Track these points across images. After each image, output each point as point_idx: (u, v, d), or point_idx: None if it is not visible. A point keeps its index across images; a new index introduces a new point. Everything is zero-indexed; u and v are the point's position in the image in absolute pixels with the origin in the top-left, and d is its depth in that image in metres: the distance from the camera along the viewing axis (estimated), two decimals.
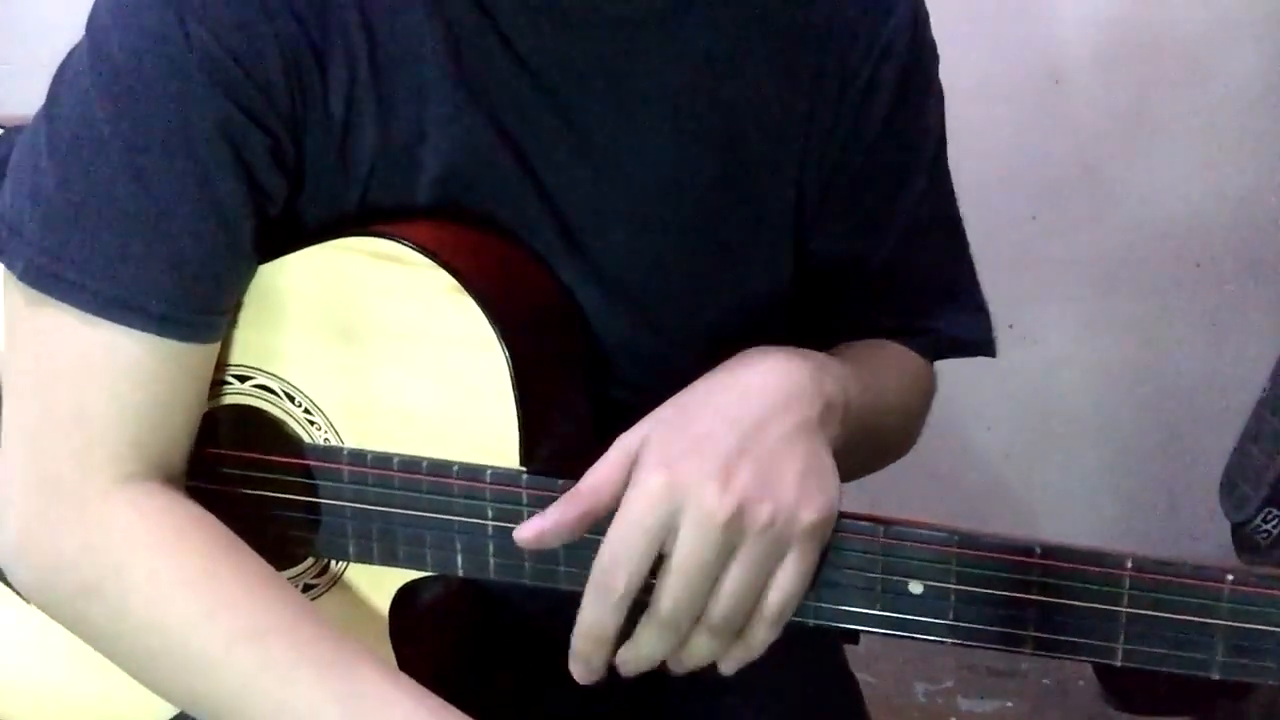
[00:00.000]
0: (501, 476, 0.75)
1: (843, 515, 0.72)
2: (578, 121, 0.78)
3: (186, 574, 0.73)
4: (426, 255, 0.74)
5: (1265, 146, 1.85)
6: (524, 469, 0.75)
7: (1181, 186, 1.86)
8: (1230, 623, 0.68)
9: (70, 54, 0.76)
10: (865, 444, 0.80)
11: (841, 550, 0.72)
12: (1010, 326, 1.93)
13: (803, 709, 0.90)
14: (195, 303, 0.74)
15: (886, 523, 0.72)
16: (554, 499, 0.72)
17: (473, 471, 0.75)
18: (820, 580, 0.72)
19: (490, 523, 0.75)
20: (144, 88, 0.71)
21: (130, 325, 0.72)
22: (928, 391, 0.93)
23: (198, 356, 0.76)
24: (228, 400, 0.80)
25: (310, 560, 0.81)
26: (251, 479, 0.81)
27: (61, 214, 0.73)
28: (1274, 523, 1.70)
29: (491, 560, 0.76)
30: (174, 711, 0.79)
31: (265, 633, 0.72)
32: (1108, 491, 1.99)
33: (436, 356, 0.76)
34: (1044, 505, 2.00)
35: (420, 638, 0.81)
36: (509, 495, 0.75)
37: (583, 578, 0.72)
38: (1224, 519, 1.78)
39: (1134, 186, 1.87)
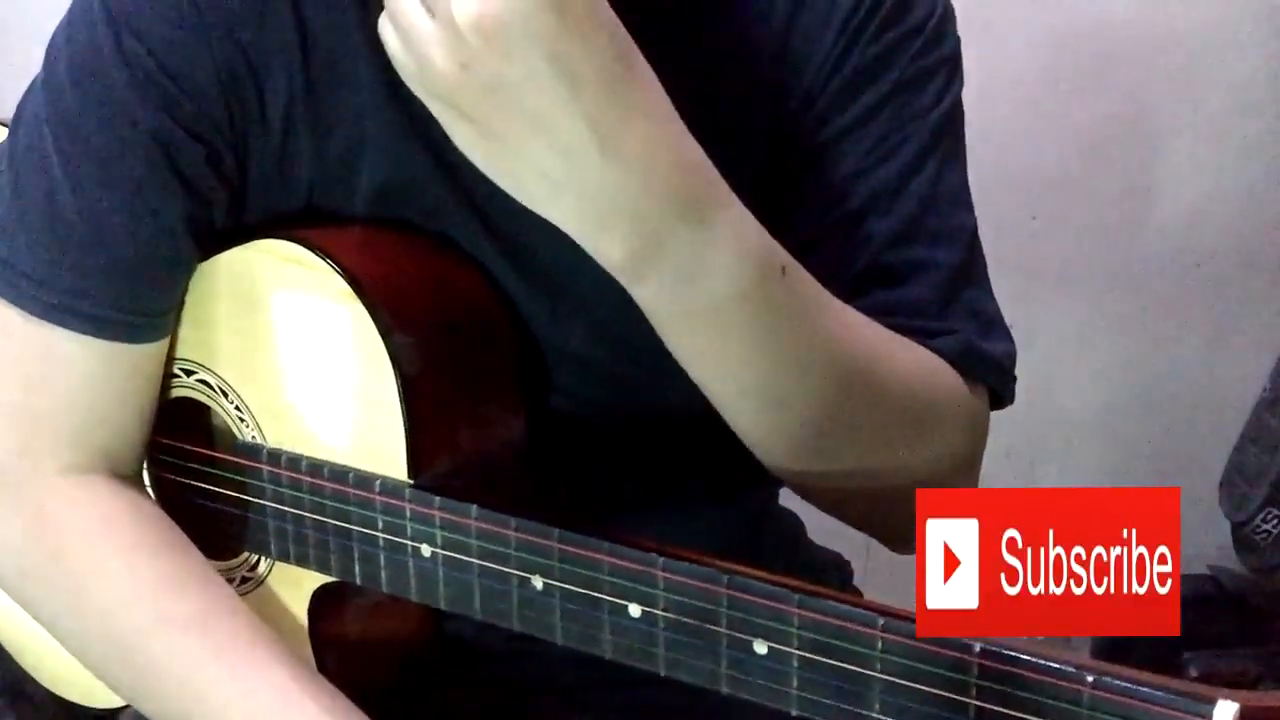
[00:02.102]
0: (388, 488, 0.75)
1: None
2: None
3: (108, 563, 0.77)
4: (325, 259, 0.76)
5: (1265, 146, 1.85)
6: (409, 482, 0.74)
7: (1182, 186, 1.86)
8: None
9: (37, 75, 0.80)
10: (845, 405, 0.73)
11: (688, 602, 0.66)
12: (1010, 326, 1.92)
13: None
14: (132, 306, 0.77)
15: (730, 571, 0.65)
16: (431, 517, 0.72)
17: (365, 480, 0.75)
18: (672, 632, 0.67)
19: (381, 534, 0.75)
20: (83, 103, 0.75)
21: (68, 327, 0.77)
22: (951, 399, 0.81)
23: (139, 356, 0.79)
24: (177, 393, 0.83)
25: (245, 555, 0.83)
26: (191, 470, 0.84)
27: (10, 221, 0.77)
28: (1274, 523, 1.70)
29: (382, 572, 0.76)
30: None
31: (180, 624, 0.76)
32: None
33: (335, 362, 0.77)
34: None
35: (337, 641, 0.82)
36: (394, 508, 0.74)
37: (457, 599, 0.72)
38: (1224, 519, 1.78)
39: (1134, 186, 1.87)
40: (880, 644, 0.61)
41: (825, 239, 0.81)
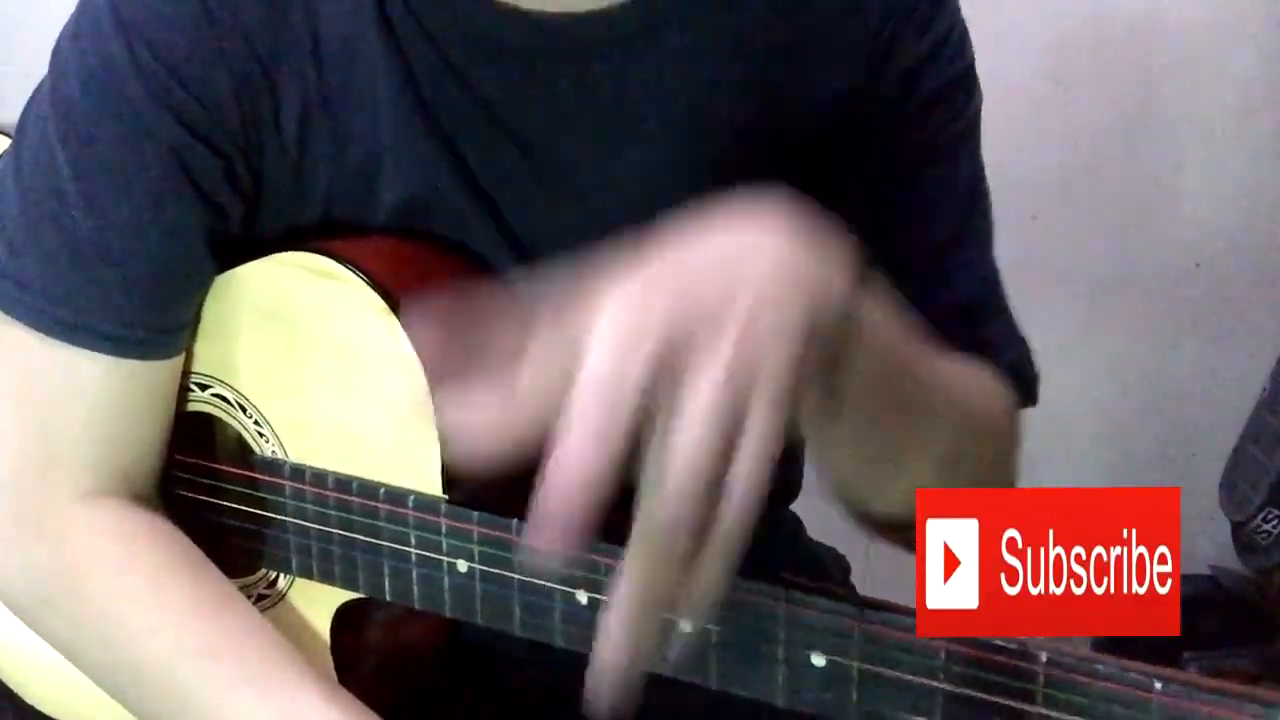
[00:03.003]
0: (423, 504, 0.73)
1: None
2: (536, 152, 0.77)
3: (134, 591, 0.76)
4: (358, 274, 0.74)
5: (1266, 146, 1.85)
6: (444, 497, 0.73)
7: (1181, 186, 1.86)
8: None
9: (40, 84, 0.78)
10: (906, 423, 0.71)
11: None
12: None
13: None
14: (150, 322, 0.76)
15: (789, 586, 0.64)
16: (469, 532, 0.71)
17: (397, 496, 0.74)
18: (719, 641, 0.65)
19: (413, 550, 0.74)
20: (96, 115, 0.73)
21: (86, 346, 0.75)
22: (1011, 409, 0.82)
23: (158, 372, 0.77)
24: (191, 407, 0.81)
25: (262, 571, 0.82)
26: (206, 487, 0.82)
27: (22, 240, 0.75)
28: (1274, 523, 1.70)
29: (415, 588, 0.75)
30: None
31: (208, 650, 0.74)
32: None
33: (367, 376, 0.75)
34: None
35: (361, 659, 0.81)
36: (429, 524, 0.73)
37: (495, 615, 0.71)
38: (1224, 519, 1.78)
39: (1134, 186, 1.87)
40: (944, 655, 0.61)
41: (880, 241, 0.80)
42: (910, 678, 0.61)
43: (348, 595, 0.78)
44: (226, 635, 0.75)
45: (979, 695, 0.60)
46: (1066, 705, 0.58)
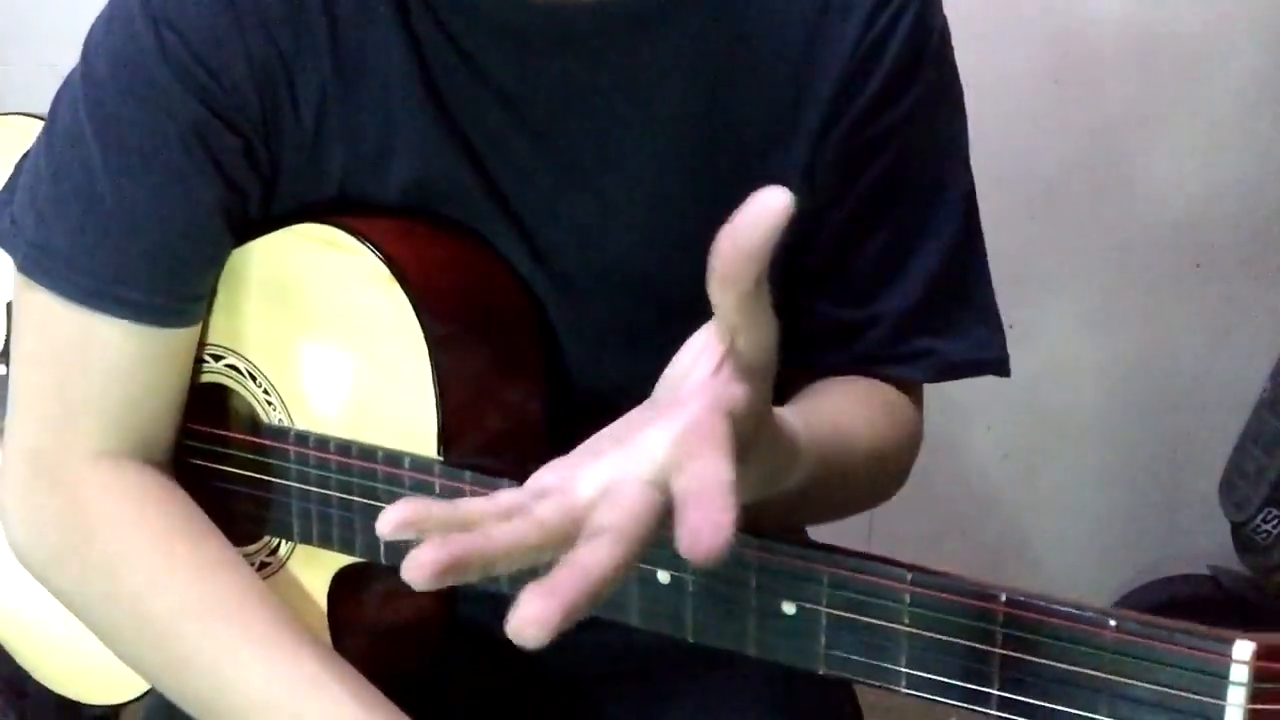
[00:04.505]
0: (418, 464, 0.76)
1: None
2: (546, 139, 0.79)
3: (140, 549, 0.78)
4: (365, 243, 0.77)
5: (1265, 146, 1.85)
6: (439, 458, 0.76)
7: (1181, 186, 1.86)
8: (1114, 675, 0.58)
9: (73, 69, 0.81)
10: (814, 493, 0.73)
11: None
12: (1010, 326, 1.92)
13: (796, 708, 0.90)
14: (169, 291, 0.79)
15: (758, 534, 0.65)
16: (461, 491, 0.74)
17: (394, 458, 0.77)
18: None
19: None
20: (122, 93, 0.77)
21: (107, 312, 0.78)
22: (908, 433, 0.86)
23: (174, 341, 0.81)
24: (205, 378, 0.84)
25: (265, 539, 0.84)
26: (215, 454, 0.85)
27: (51, 210, 0.79)
28: (1274, 523, 1.70)
29: (408, 549, 0.76)
30: None
31: (210, 610, 0.77)
32: (1108, 491, 1.99)
33: (370, 343, 0.78)
34: (1044, 505, 2.00)
35: (355, 624, 0.83)
36: (424, 484, 0.76)
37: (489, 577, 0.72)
38: (1224, 519, 1.78)
39: (1134, 186, 1.87)
40: (909, 598, 0.61)
41: (843, 245, 0.83)
42: (876, 622, 0.62)
43: (344, 562, 0.80)
44: (229, 597, 0.77)
45: (941, 638, 0.61)
46: (1024, 644, 0.59)
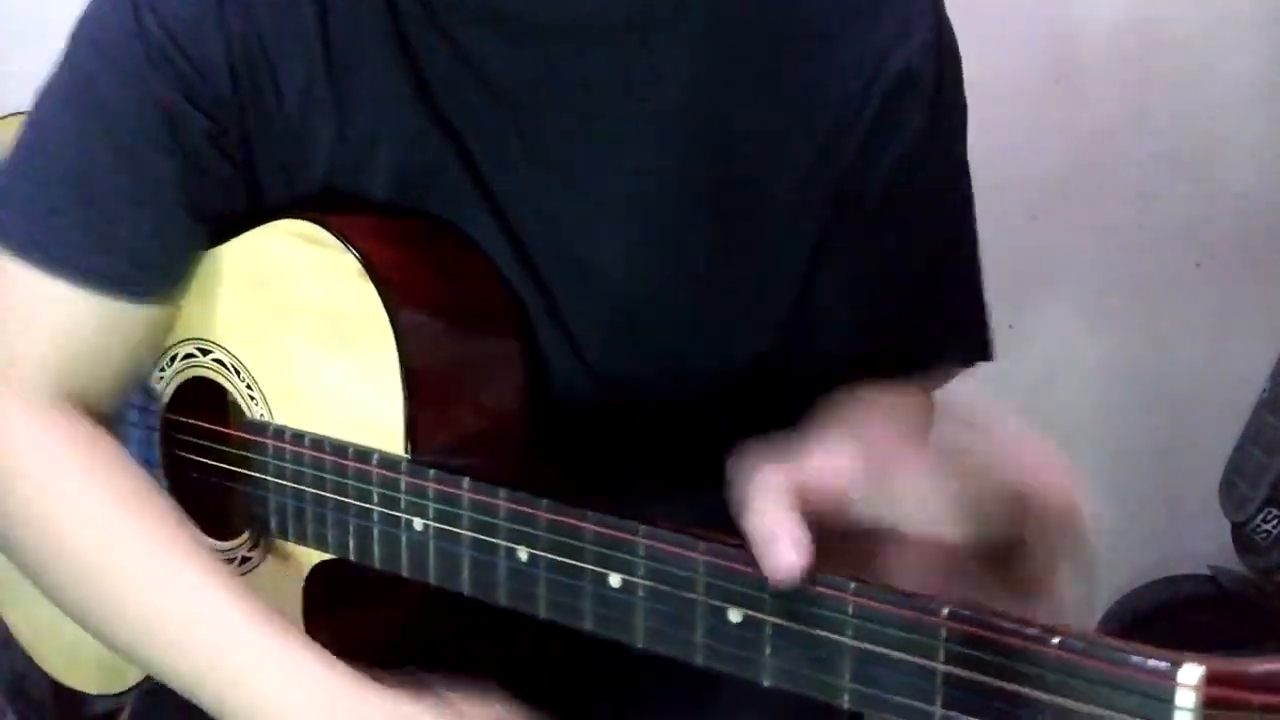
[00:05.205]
0: (385, 461, 0.76)
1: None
2: (532, 135, 0.79)
3: (68, 483, 0.80)
4: (339, 238, 0.77)
5: (1265, 146, 1.85)
6: (405, 456, 0.76)
7: (1181, 186, 1.86)
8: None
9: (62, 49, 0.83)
10: None
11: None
12: (1010, 326, 1.93)
13: (799, 706, 0.90)
14: (118, 264, 0.80)
15: (706, 539, 0.65)
16: (425, 489, 0.74)
17: (364, 454, 0.77)
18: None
19: (375, 508, 0.77)
20: (100, 66, 0.79)
21: (51, 271, 0.80)
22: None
23: (126, 316, 0.81)
24: (194, 372, 0.85)
25: (245, 535, 0.85)
26: (200, 448, 0.86)
27: (18, 175, 0.81)
28: (1274, 523, 1.70)
29: (375, 547, 0.77)
30: None
31: (128, 539, 0.78)
32: (1108, 491, 1.99)
33: (342, 338, 0.78)
34: None
35: (331, 621, 0.82)
36: (389, 481, 0.76)
37: (446, 572, 0.74)
38: (1224, 519, 1.78)
39: (1134, 186, 1.87)
40: (851, 608, 0.60)
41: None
42: (820, 633, 0.61)
43: (318, 559, 0.81)
44: (149, 530, 0.78)
45: (886, 652, 0.59)
46: (967, 660, 0.57)
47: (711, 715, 0.88)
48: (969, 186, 0.88)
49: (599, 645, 0.85)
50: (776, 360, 0.85)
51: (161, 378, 0.86)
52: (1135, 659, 0.53)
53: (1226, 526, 1.76)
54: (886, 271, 0.85)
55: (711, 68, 0.78)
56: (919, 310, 0.87)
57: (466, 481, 0.73)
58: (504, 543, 0.72)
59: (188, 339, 0.85)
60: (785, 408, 0.91)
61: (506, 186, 0.80)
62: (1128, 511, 1.99)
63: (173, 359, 0.86)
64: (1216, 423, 1.83)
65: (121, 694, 0.92)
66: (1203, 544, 1.87)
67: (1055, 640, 0.55)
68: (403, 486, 0.75)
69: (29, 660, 0.98)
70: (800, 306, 0.84)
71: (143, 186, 0.79)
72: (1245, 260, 1.89)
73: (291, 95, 0.79)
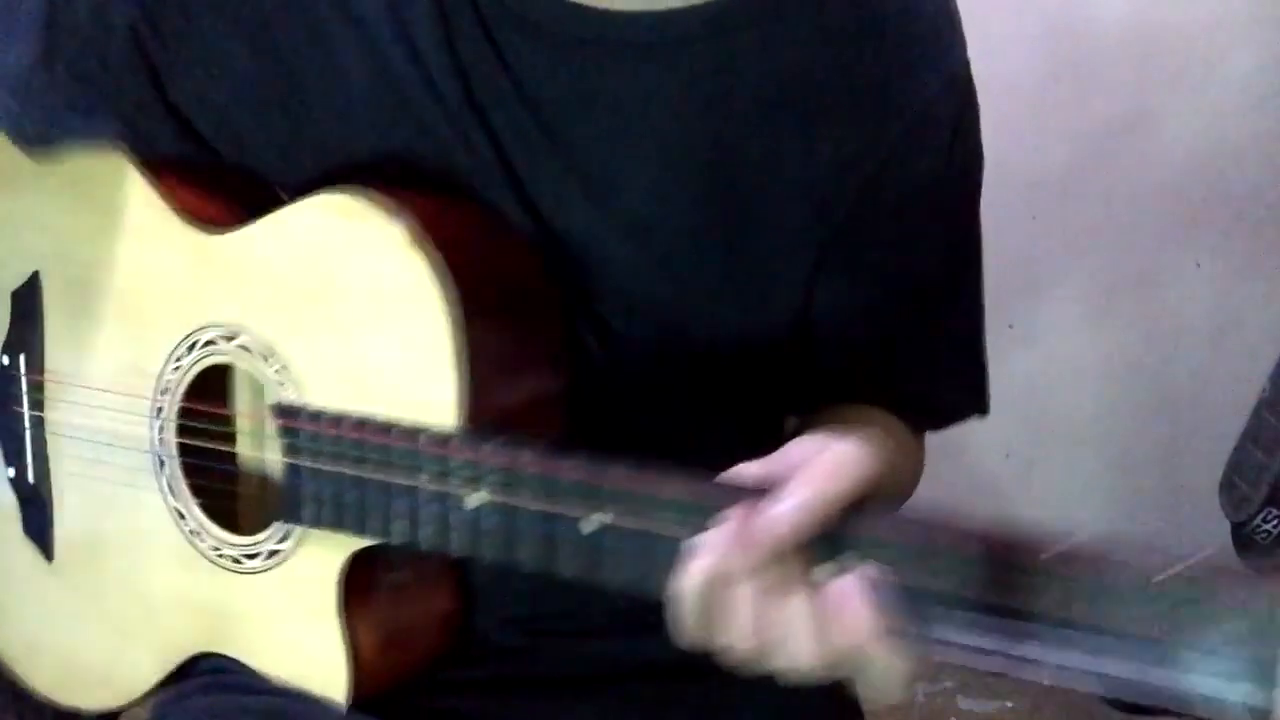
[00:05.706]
0: (434, 438, 0.73)
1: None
2: (557, 136, 0.79)
3: None
4: (383, 210, 0.75)
5: (1265, 146, 1.85)
6: (454, 431, 0.73)
7: (1181, 186, 1.86)
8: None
9: None
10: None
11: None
12: (1010, 326, 1.93)
13: (797, 707, 0.90)
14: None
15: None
16: (480, 463, 0.71)
17: (410, 432, 0.74)
18: None
19: (425, 486, 0.73)
20: None
21: None
22: (919, 473, 0.93)
23: None
24: (216, 359, 0.82)
25: (274, 525, 0.81)
26: (225, 435, 0.84)
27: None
28: (1274, 523, 1.70)
29: (423, 528, 0.74)
30: (166, 672, 0.86)
31: None
32: (1108, 491, 1.99)
33: (386, 311, 0.76)
34: (1044, 505, 2.00)
35: (370, 611, 0.80)
36: (439, 456, 0.73)
37: (501, 549, 0.72)
38: (1224, 519, 1.78)
39: (1134, 186, 1.87)
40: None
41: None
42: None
43: (353, 550, 0.78)
44: None
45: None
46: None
47: (711, 715, 0.88)
48: (977, 237, 0.89)
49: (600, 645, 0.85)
50: (771, 375, 0.87)
51: (179, 366, 0.83)
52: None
53: (1226, 526, 1.76)
54: (883, 308, 0.86)
55: (729, 94, 0.79)
56: (914, 358, 0.89)
57: (529, 454, 0.70)
58: (571, 512, 0.68)
59: (209, 325, 0.82)
60: (778, 414, 0.92)
61: (532, 182, 0.80)
62: (1128, 511, 2.00)
63: (190, 346, 0.83)
64: (1216, 423, 1.83)
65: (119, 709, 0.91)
66: (1203, 544, 1.87)
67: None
68: (455, 462, 0.72)
69: None
70: (799, 324, 0.85)
71: (97, 23, 0.81)
72: (1245, 260, 1.89)
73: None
